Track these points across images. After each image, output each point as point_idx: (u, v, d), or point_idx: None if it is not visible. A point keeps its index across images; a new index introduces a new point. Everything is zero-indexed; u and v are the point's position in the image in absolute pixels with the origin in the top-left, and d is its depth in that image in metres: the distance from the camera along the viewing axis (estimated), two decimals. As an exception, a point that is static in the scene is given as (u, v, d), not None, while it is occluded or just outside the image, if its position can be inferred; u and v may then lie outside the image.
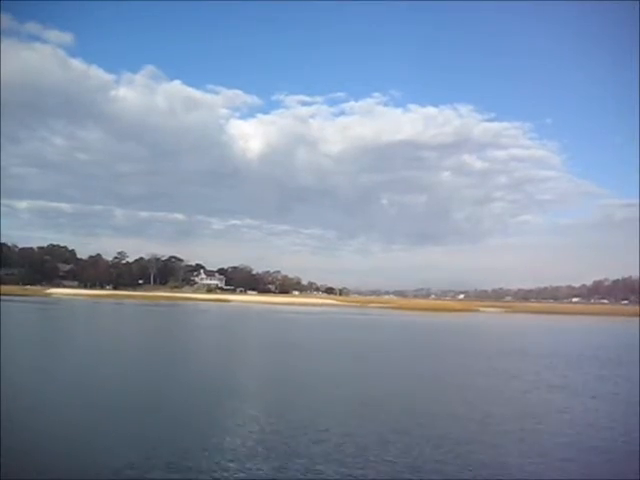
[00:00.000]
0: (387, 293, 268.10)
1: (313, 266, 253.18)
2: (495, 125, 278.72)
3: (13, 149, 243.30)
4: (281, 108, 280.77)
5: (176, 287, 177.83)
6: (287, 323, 59.57)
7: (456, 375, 22.57)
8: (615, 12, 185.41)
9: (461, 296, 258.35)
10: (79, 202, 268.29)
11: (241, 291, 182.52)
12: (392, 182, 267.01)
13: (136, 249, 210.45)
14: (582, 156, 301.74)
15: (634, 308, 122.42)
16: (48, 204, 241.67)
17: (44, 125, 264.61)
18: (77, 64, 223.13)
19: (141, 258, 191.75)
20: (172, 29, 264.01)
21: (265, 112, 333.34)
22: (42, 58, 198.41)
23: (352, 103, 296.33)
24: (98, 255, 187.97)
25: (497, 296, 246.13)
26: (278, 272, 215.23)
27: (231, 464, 9.88)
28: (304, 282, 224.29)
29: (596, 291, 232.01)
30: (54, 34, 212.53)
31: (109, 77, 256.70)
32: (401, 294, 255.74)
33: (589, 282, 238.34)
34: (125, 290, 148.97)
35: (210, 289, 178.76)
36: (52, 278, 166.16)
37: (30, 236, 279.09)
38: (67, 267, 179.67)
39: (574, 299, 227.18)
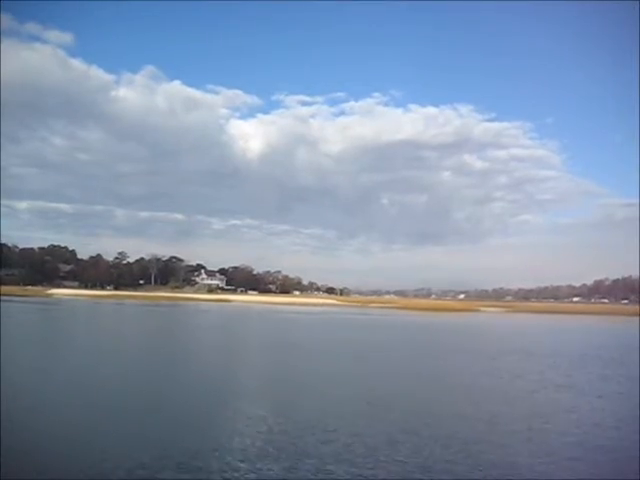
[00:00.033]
0: (387, 293, 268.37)
1: (313, 266, 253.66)
2: (495, 125, 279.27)
3: (13, 149, 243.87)
4: (281, 108, 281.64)
5: (177, 287, 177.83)
6: (288, 323, 59.59)
7: (460, 375, 22.59)
8: (615, 12, 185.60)
9: (461, 296, 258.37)
10: (79, 202, 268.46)
11: (242, 291, 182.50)
12: (392, 182, 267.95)
13: (137, 249, 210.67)
14: (582, 155, 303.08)
15: (634, 307, 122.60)
16: (48, 204, 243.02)
17: (44, 125, 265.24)
18: (77, 64, 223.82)
19: (142, 258, 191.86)
20: (172, 29, 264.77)
21: (265, 112, 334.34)
22: (42, 58, 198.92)
23: (352, 103, 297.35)
24: (99, 255, 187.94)
25: (498, 296, 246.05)
26: (279, 272, 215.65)
27: (242, 464, 9.90)
28: (305, 282, 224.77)
29: (596, 291, 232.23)
30: (54, 34, 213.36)
31: (109, 77, 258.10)
32: (401, 294, 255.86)
33: (589, 282, 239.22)
34: (126, 290, 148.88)
35: (211, 289, 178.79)
36: (53, 279, 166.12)
37: (30, 236, 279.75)
38: (68, 267, 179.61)
39: (575, 299, 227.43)
